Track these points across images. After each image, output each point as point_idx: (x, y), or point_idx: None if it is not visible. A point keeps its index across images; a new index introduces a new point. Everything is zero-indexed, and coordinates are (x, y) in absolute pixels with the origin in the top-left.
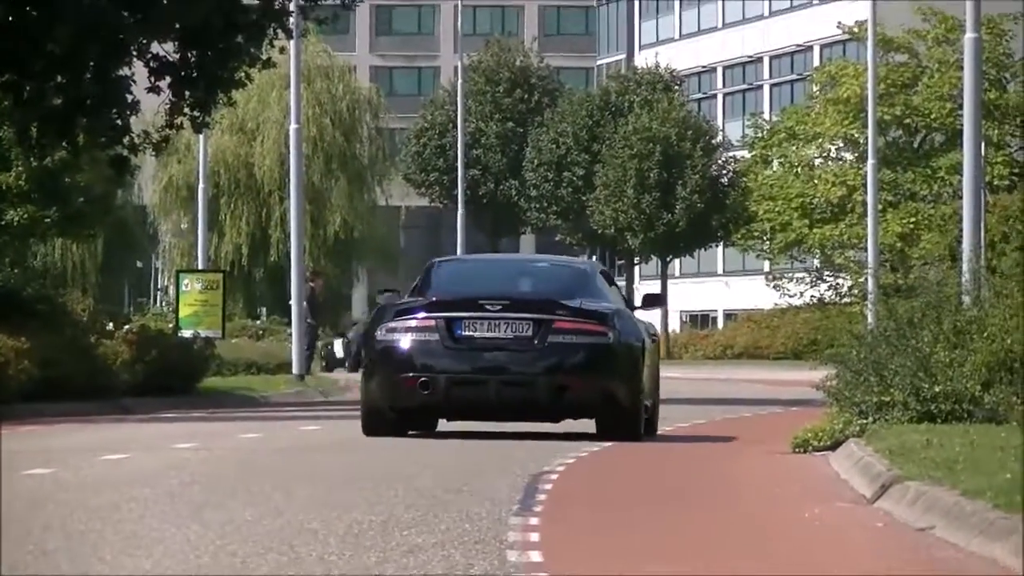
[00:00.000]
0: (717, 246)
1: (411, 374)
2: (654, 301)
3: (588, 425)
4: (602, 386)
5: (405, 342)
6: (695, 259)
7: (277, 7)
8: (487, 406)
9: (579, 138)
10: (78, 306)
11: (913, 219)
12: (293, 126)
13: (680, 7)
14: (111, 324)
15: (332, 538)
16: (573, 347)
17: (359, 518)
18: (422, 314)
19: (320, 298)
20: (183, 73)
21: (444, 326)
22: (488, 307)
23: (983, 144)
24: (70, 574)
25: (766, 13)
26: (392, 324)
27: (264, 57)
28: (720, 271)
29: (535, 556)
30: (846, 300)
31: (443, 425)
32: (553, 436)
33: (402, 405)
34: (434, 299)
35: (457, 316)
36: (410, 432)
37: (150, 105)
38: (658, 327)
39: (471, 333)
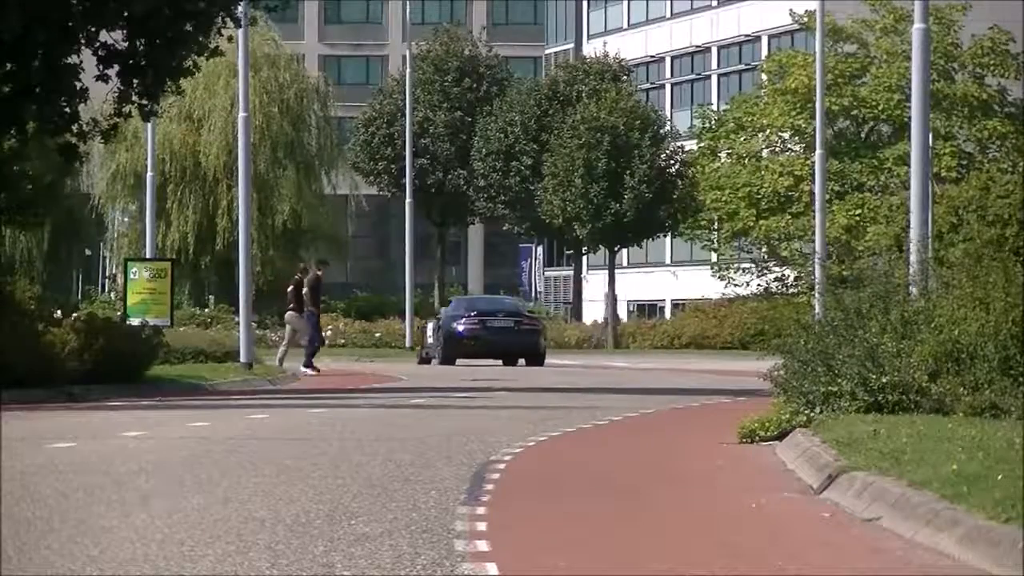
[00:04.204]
0: (665, 236)
1: (466, 340)
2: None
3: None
4: (536, 345)
5: (462, 328)
6: (643, 249)
7: None
8: (496, 352)
9: (527, 127)
10: (25, 294)
11: (859, 210)
12: (241, 115)
13: None
14: (59, 312)
15: (280, 527)
16: (528, 331)
17: (307, 507)
18: (468, 317)
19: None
20: (131, 61)
21: (480, 321)
22: (496, 314)
23: (931, 135)
24: (16, 562)
25: (715, 3)
26: (455, 321)
27: (212, 45)
28: (668, 261)
29: (482, 545)
30: (792, 291)
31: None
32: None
33: (462, 352)
34: (474, 312)
35: (485, 318)
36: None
37: (98, 93)
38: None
39: (492, 324)
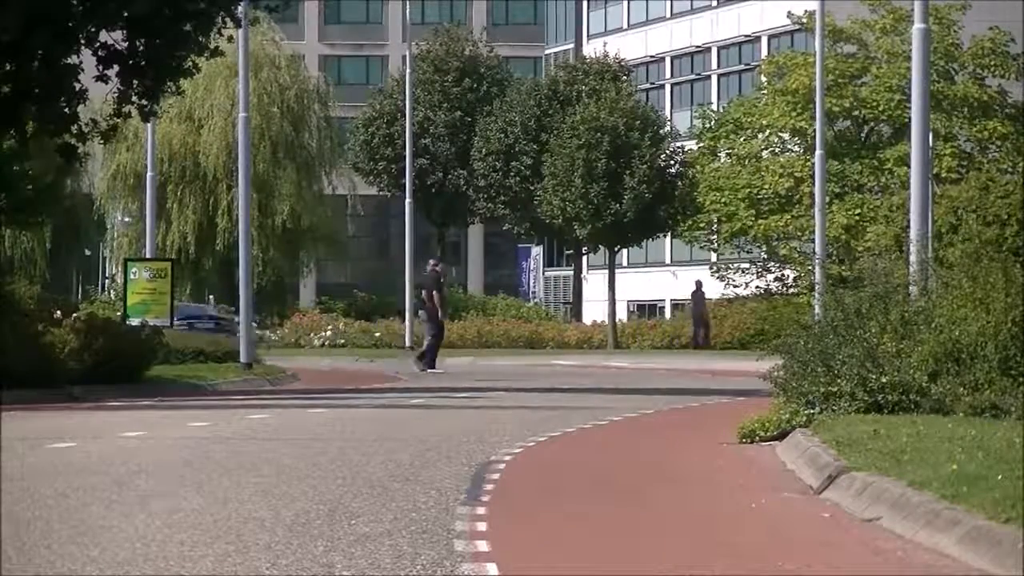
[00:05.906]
0: (665, 236)
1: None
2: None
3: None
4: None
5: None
6: (643, 249)
7: None
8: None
9: (527, 128)
10: (25, 294)
11: (859, 211)
12: (241, 115)
13: None
14: (59, 312)
15: (279, 527)
16: (228, 332)
17: (306, 507)
18: (178, 321)
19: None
20: (131, 62)
21: (188, 324)
22: (200, 318)
23: (931, 135)
24: (16, 562)
25: (715, 3)
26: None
27: (212, 46)
28: (668, 261)
29: (482, 545)
30: (792, 291)
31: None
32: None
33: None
34: (183, 316)
35: (192, 320)
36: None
37: (98, 93)
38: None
39: (197, 327)
